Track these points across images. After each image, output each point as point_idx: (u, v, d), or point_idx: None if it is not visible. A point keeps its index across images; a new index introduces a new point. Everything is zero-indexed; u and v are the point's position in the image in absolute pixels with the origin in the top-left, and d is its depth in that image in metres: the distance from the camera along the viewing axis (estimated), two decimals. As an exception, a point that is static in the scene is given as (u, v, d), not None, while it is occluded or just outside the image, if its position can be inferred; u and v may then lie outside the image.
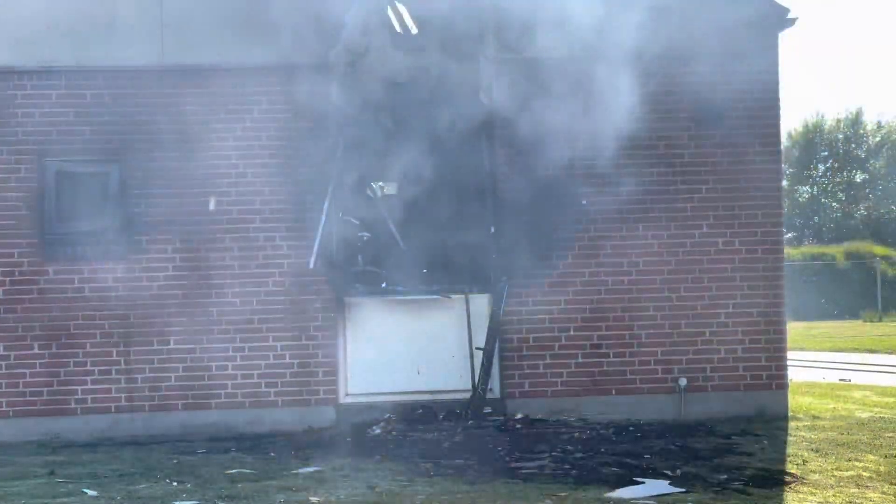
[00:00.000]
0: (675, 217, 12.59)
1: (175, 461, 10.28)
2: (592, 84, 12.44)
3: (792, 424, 12.08)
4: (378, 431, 11.48)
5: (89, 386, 12.06)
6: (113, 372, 12.09)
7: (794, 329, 26.12)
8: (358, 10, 12.34)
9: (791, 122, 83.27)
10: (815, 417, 12.64)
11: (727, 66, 12.58)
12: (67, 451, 11.07)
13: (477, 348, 12.35)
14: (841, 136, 65.94)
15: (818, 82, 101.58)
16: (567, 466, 9.56)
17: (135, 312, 12.13)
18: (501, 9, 12.31)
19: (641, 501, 8.19)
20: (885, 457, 10.01)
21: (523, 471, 9.39)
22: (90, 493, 8.73)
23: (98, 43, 12.12)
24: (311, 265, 12.15)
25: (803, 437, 11.22)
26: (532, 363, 12.46)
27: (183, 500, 8.33)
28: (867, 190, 65.42)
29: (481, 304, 12.57)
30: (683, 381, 12.49)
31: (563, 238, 12.49)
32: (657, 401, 12.49)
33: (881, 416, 12.81)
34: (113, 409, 12.09)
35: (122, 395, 12.10)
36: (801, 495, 8.42)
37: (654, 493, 8.44)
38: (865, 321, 37.48)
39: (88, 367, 12.07)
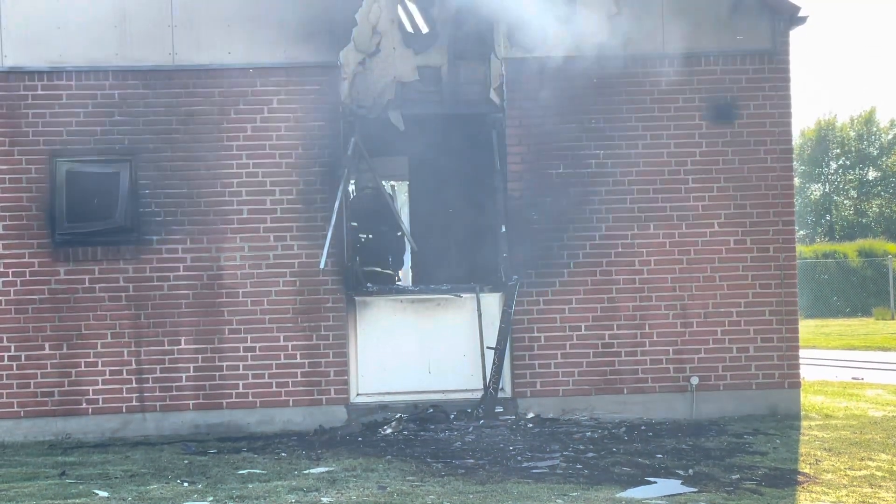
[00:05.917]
0: (686, 216, 12.56)
1: (186, 461, 10.28)
2: (602, 83, 12.46)
3: (804, 423, 12.04)
4: (389, 431, 11.47)
5: (100, 386, 12.08)
6: (124, 372, 12.11)
7: (806, 327, 26.04)
8: (368, 8, 12.35)
9: (803, 120, 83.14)
10: (827, 416, 12.59)
11: (738, 63, 12.57)
12: (78, 452, 11.08)
13: (488, 347, 12.32)
14: (853, 134, 65.74)
15: (831, 81, 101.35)
16: (579, 466, 9.53)
17: (146, 312, 12.14)
18: (512, 7, 12.29)
19: (653, 501, 8.15)
20: (899, 456, 9.96)
21: (535, 470, 9.35)
22: (101, 493, 8.73)
23: (108, 43, 12.14)
24: (322, 265, 12.12)
25: (816, 436, 11.18)
26: (543, 362, 12.44)
27: (194, 501, 8.32)
28: (880, 187, 65.21)
29: (492, 303, 12.54)
30: (695, 380, 12.46)
31: (574, 237, 12.46)
32: (669, 400, 12.46)
33: (894, 414, 12.75)
34: (124, 410, 12.10)
35: (134, 396, 12.11)
36: (813, 495, 8.38)
37: (667, 493, 8.41)
38: (878, 319, 37.32)
39: (100, 368, 12.08)
